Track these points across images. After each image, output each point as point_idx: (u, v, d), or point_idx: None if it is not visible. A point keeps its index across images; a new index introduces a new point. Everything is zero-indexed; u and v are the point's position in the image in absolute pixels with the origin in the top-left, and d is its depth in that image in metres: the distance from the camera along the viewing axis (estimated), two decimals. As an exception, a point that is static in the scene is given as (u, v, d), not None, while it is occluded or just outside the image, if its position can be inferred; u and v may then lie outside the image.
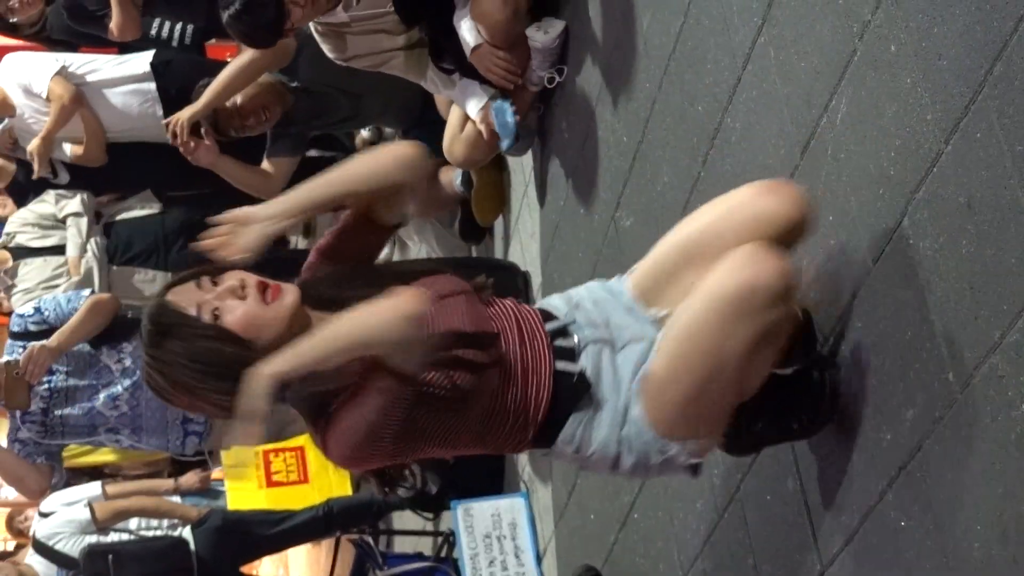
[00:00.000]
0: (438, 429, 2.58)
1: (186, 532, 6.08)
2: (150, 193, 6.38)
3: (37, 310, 5.43)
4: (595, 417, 2.65)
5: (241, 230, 2.60)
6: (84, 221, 6.10)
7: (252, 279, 2.55)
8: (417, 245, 6.05)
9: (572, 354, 2.68)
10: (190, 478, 7.02)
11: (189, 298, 2.54)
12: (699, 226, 2.71)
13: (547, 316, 2.74)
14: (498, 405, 2.62)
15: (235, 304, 2.52)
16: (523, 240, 4.99)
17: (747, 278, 2.49)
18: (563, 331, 2.70)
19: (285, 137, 5.67)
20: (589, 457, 2.68)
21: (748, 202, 2.65)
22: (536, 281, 4.85)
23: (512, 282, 4.95)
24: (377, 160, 2.71)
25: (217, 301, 2.53)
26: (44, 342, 5.25)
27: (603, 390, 2.66)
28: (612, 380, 2.66)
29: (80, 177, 6.32)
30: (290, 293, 2.56)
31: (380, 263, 2.80)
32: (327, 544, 7.15)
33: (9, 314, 5.96)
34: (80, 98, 6.02)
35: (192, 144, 5.45)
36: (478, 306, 2.68)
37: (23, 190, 6.47)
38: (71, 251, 6.05)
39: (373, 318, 2.46)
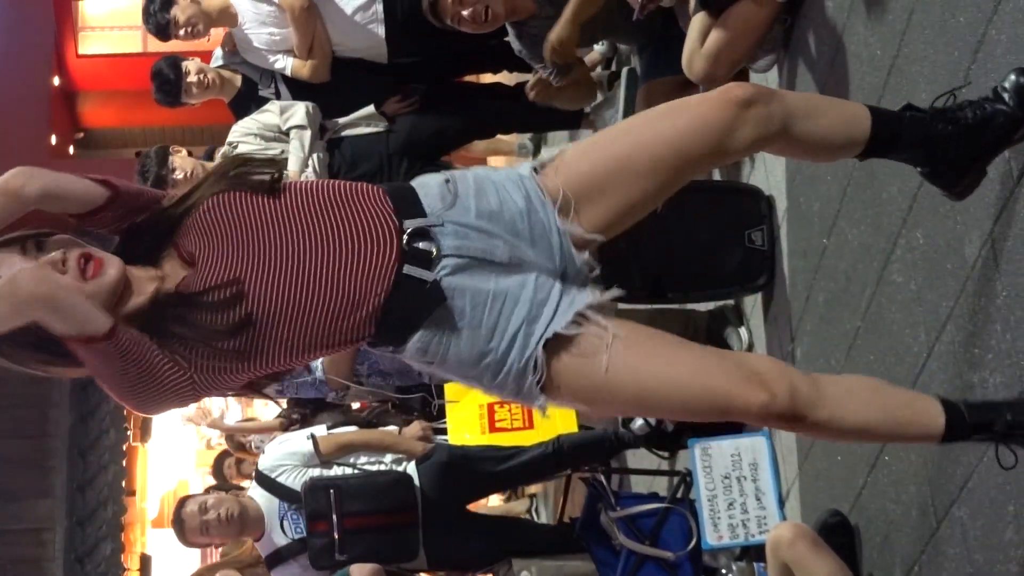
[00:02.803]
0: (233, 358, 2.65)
1: (410, 468, 6.22)
2: (375, 110, 6.49)
3: None
4: (453, 331, 2.69)
5: None
6: (307, 135, 6.22)
7: (74, 252, 2.64)
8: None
9: (428, 260, 2.69)
10: (413, 428, 7.15)
11: (11, 265, 2.62)
12: (653, 133, 2.80)
13: (408, 206, 2.73)
14: (300, 319, 2.65)
15: (55, 277, 2.59)
16: (767, 161, 4.97)
17: (743, 405, 2.68)
18: (424, 232, 2.71)
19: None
20: (445, 371, 2.75)
21: (713, 118, 2.79)
22: (781, 206, 4.83)
23: (755, 207, 4.93)
24: None
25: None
26: None
27: (464, 303, 2.69)
28: (478, 295, 2.70)
29: (300, 96, 6.47)
30: (112, 267, 2.64)
31: (160, 208, 2.79)
32: (557, 482, 7.26)
33: None
34: (312, 7, 6.16)
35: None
36: (243, 245, 2.67)
37: (245, 104, 6.67)
38: (292, 165, 6.17)
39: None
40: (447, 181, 2.81)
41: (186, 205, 2.75)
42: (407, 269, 2.68)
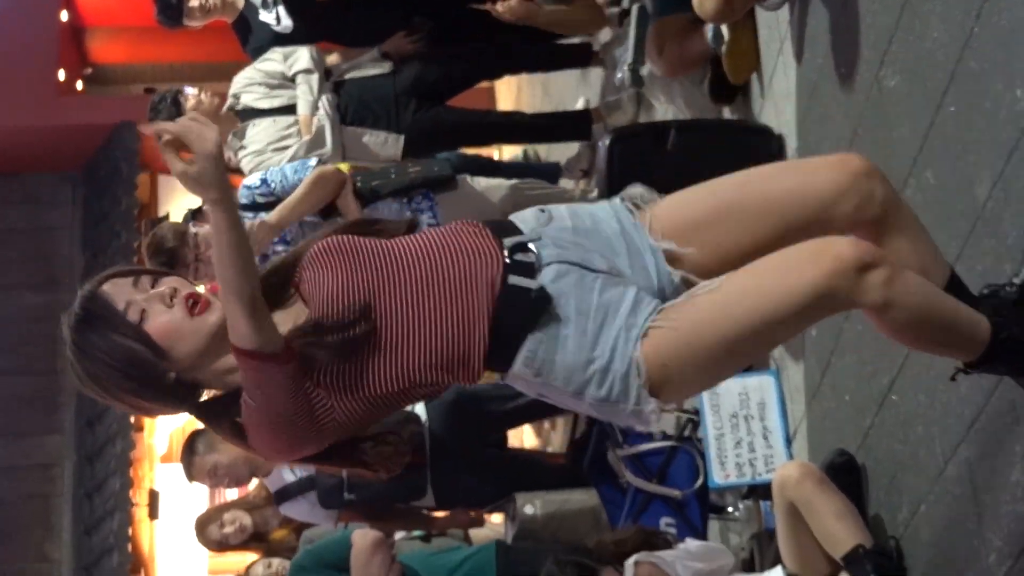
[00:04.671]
0: (348, 390, 2.67)
1: (419, 407, 6.24)
2: (378, 54, 6.49)
3: (264, 181, 5.56)
4: (559, 337, 2.68)
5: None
6: (315, 78, 6.21)
7: (185, 290, 2.74)
8: (664, 106, 6.04)
9: (531, 269, 2.72)
10: None
11: (123, 294, 2.73)
12: (759, 191, 2.80)
13: (506, 230, 2.79)
14: (414, 342, 2.68)
15: (161, 310, 2.71)
16: (777, 101, 4.95)
17: (827, 282, 2.56)
18: (523, 246, 2.76)
19: None
20: (552, 383, 2.71)
21: (820, 183, 2.76)
22: (791, 144, 4.81)
23: (766, 146, 4.92)
24: None
25: (145, 304, 2.72)
26: (266, 217, 5.37)
27: (569, 310, 2.69)
28: (583, 303, 2.69)
29: (301, 24, 6.45)
30: (216, 312, 2.71)
31: (278, 260, 2.89)
32: (564, 419, 7.28)
33: (237, 171, 6.18)
34: None
35: None
36: (359, 270, 2.72)
37: (247, 26, 6.66)
38: (302, 109, 6.15)
39: None
40: (542, 210, 2.88)
41: (299, 250, 2.85)
42: (512, 280, 2.72)
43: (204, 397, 2.82)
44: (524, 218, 2.85)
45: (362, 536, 5.19)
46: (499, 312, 2.70)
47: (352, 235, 2.85)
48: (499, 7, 6.10)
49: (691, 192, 2.92)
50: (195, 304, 2.72)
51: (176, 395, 2.76)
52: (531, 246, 2.77)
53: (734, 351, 2.67)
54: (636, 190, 2.92)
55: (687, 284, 2.78)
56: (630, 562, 4.27)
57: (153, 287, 2.74)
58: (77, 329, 2.73)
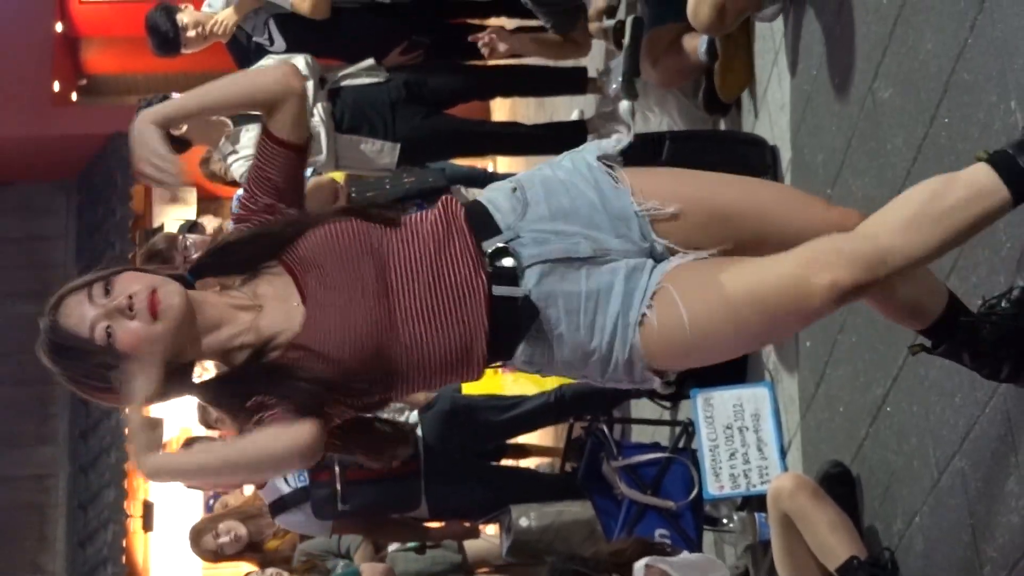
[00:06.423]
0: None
1: (413, 417, 6.23)
2: (373, 62, 6.49)
3: None
4: (553, 337, 2.70)
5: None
6: (309, 84, 6.20)
7: (143, 292, 2.68)
8: (659, 117, 6.04)
9: (513, 276, 2.71)
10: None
11: (82, 316, 2.69)
12: (760, 212, 2.78)
13: (485, 227, 2.75)
14: (417, 364, 2.71)
15: (125, 324, 2.67)
16: (772, 112, 4.96)
17: (823, 307, 2.59)
18: (504, 251, 2.73)
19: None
20: (551, 368, 2.77)
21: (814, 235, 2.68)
22: (785, 156, 4.82)
23: (760, 157, 4.92)
24: (252, 80, 2.91)
25: (108, 319, 2.68)
26: None
27: (559, 311, 2.69)
28: (572, 300, 2.68)
29: (294, 43, 6.45)
30: (174, 297, 2.69)
31: (271, 223, 2.83)
32: (559, 430, 7.28)
33: (232, 183, 6.15)
34: None
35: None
36: (367, 291, 2.70)
37: (242, 48, 6.65)
38: None
39: (265, 452, 2.63)
40: (515, 190, 2.80)
41: (300, 224, 2.79)
42: (496, 291, 2.70)
43: (202, 376, 2.83)
44: (498, 206, 2.78)
45: (371, 568, 5.23)
46: (492, 324, 2.70)
47: (354, 222, 2.78)
48: (484, 48, 6.22)
49: (686, 175, 2.87)
50: (155, 301, 2.67)
51: (172, 381, 2.74)
52: (511, 247, 2.73)
53: (732, 347, 2.78)
54: (609, 144, 2.87)
55: (671, 252, 2.75)
56: (639, 565, 4.25)
57: (108, 292, 2.70)
58: (54, 359, 2.73)
